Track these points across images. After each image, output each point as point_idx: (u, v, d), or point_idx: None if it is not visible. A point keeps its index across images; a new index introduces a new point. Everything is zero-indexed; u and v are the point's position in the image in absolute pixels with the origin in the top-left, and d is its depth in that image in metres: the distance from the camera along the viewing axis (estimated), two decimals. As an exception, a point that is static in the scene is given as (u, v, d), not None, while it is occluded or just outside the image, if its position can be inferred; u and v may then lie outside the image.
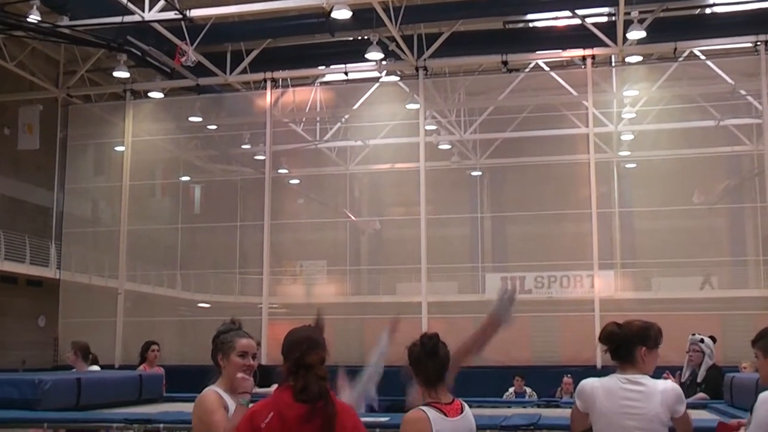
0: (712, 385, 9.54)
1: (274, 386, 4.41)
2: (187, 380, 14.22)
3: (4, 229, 28.69)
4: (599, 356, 22.70)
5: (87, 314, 26.81)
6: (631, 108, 27.07)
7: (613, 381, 5.01)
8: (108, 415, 7.62)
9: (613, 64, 26.33)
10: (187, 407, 8.41)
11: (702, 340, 10.02)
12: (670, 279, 27.17)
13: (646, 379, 4.99)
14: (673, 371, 9.73)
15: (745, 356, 14.52)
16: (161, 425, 6.89)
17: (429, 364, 4.65)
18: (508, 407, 8.67)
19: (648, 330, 5.07)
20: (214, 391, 4.87)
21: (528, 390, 18.07)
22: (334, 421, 4.15)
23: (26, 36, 25.39)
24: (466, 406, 4.72)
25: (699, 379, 9.79)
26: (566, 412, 7.41)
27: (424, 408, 4.58)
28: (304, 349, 4.32)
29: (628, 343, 5.04)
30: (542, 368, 22.55)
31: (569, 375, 18.45)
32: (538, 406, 9.18)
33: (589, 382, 5.08)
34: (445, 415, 4.56)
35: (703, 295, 26.36)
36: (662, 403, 4.95)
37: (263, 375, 7.80)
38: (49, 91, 28.86)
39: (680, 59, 25.29)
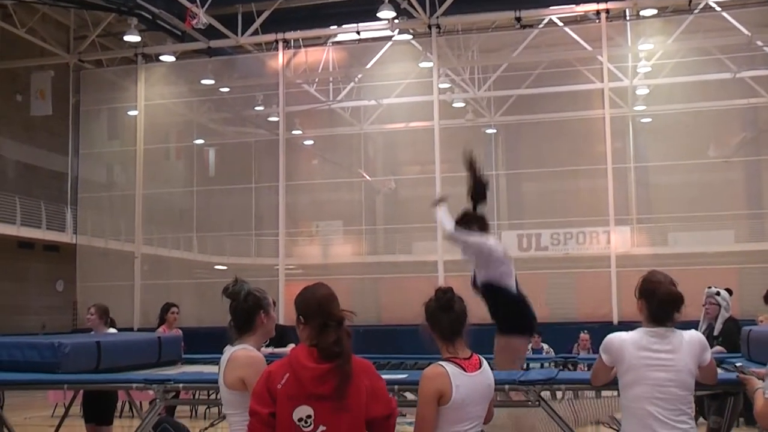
0: (729, 338, 9.51)
1: (291, 346, 4.39)
2: (204, 342, 14.32)
3: (20, 195, 28.80)
4: (615, 312, 22.79)
5: (104, 278, 26.97)
6: (646, 62, 26.89)
7: (640, 335, 5.00)
8: (127, 376, 7.66)
9: (628, 18, 26.16)
10: (205, 369, 8.46)
11: (718, 293, 9.97)
12: (687, 233, 27.09)
13: (671, 331, 4.98)
14: (690, 325, 9.71)
15: (762, 309, 14.50)
16: (180, 385, 6.91)
17: (444, 317, 4.63)
18: (526, 363, 8.65)
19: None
20: (261, 354, 4.86)
21: (545, 346, 18.06)
22: (349, 381, 4.16)
23: (36, 1, 25.38)
24: (484, 361, 4.70)
25: (716, 333, 9.75)
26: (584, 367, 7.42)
27: (443, 363, 4.57)
28: (332, 304, 4.33)
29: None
30: (559, 325, 22.55)
31: (586, 331, 18.46)
32: (555, 362, 9.18)
33: (617, 336, 5.07)
34: (464, 369, 4.55)
35: (720, 249, 26.25)
36: (690, 353, 4.97)
37: (280, 335, 7.82)
38: (61, 56, 28.87)
39: (696, 11, 25.10)
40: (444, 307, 4.66)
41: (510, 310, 7.80)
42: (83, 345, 8.06)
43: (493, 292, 7.82)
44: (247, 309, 4.93)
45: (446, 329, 4.65)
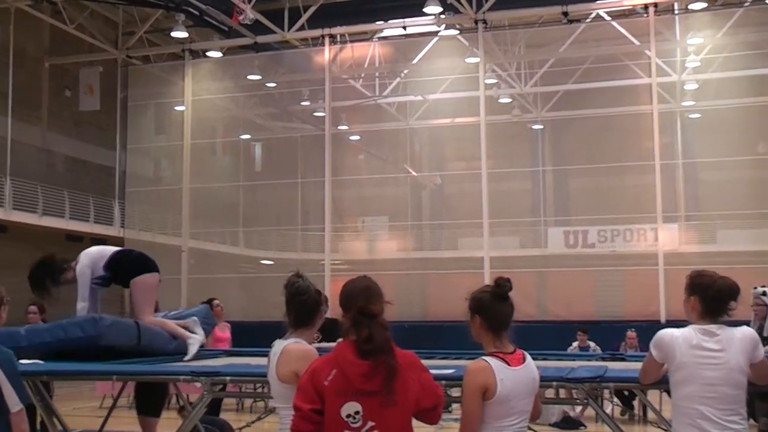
0: (778, 337, 9.38)
1: (340, 341, 4.39)
2: (250, 336, 14.38)
3: (69, 189, 29.09)
4: (663, 310, 22.57)
5: (151, 271, 27.12)
6: (695, 56, 26.60)
7: (691, 332, 4.94)
8: (174, 368, 7.71)
9: (676, 12, 25.90)
10: (252, 361, 8.48)
11: (764, 293, 9.86)
12: (736, 231, 26.76)
13: (722, 329, 4.91)
14: (740, 326, 9.58)
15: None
16: (227, 378, 6.93)
17: (500, 308, 4.60)
18: (573, 360, 8.58)
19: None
20: (313, 348, 4.89)
21: (592, 344, 17.93)
22: (395, 376, 4.14)
23: (85, -2, 25.63)
24: (528, 355, 4.68)
25: (765, 333, 9.63)
26: (632, 365, 7.34)
27: (487, 358, 4.55)
28: (367, 298, 4.31)
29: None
30: (606, 323, 22.40)
31: (633, 329, 18.29)
32: (603, 359, 9.09)
33: (668, 332, 5.00)
34: (508, 364, 4.53)
35: (769, 248, 25.94)
36: (741, 351, 4.89)
37: (331, 329, 7.82)
38: (109, 52, 29.15)
39: (746, 4, 24.81)
40: (502, 297, 4.64)
41: None
42: (123, 321, 8.22)
43: None
44: (314, 304, 4.96)
45: (499, 320, 4.62)
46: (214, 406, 9.39)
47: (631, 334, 18.02)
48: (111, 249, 8.85)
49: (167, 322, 8.49)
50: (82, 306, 8.46)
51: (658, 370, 5.24)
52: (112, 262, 8.59)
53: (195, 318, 8.85)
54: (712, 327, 4.91)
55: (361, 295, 4.32)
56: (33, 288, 8.46)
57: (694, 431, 4.82)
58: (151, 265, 8.75)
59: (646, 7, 24.41)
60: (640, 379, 5.52)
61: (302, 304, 4.94)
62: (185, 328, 8.70)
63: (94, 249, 8.80)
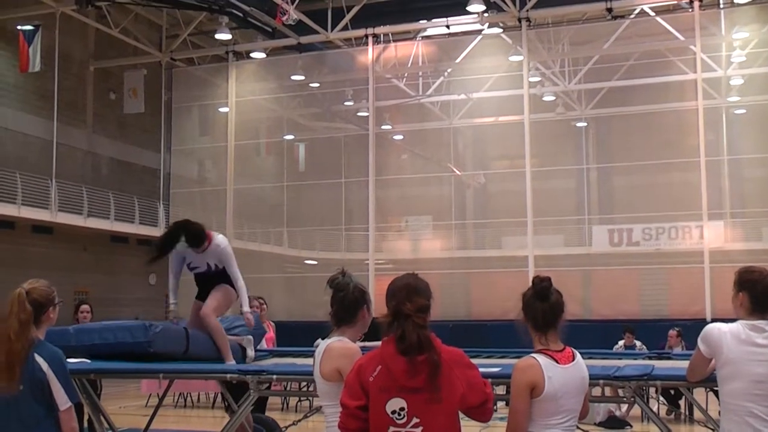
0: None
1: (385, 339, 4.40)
2: (294, 335, 14.43)
3: (114, 191, 29.41)
4: (709, 309, 22.35)
5: (196, 272, 27.33)
6: (740, 51, 26.34)
7: (739, 327, 4.88)
8: (222, 367, 7.77)
9: (722, 6, 25.69)
10: (296, 361, 8.52)
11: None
12: (782, 229, 26.52)
13: (770, 325, 4.86)
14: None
15: None
16: (274, 376, 6.98)
17: (539, 306, 4.58)
18: (619, 359, 8.53)
19: None
20: (357, 346, 4.90)
21: (638, 343, 17.81)
22: (438, 373, 4.14)
23: (130, 2, 25.83)
24: (577, 354, 4.65)
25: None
26: (679, 363, 7.28)
27: (536, 355, 4.53)
28: (403, 297, 4.29)
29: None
30: (651, 322, 22.25)
31: (675, 328, 18.14)
32: (650, 357, 9.03)
33: (716, 327, 4.94)
34: (557, 362, 4.51)
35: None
36: (790, 347, 4.83)
37: (375, 329, 7.84)
38: (153, 55, 29.40)
39: (793, -2, 24.52)
40: (540, 296, 4.62)
41: None
42: (173, 329, 8.24)
43: None
44: (353, 301, 4.96)
45: (540, 319, 4.61)
46: (260, 406, 9.42)
47: (672, 332, 17.87)
48: None
49: (223, 334, 8.47)
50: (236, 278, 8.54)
51: (706, 366, 5.17)
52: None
53: (250, 337, 8.87)
54: (761, 323, 4.85)
55: (399, 294, 4.31)
56: (160, 244, 8.48)
57: (742, 428, 4.76)
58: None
59: (690, 1, 24.22)
60: (688, 376, 5.45)
61: (341, 301, 4.95)
62: (239, 344, 8.74)
63: None
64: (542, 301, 4.61)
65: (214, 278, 8.46)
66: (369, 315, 5.00)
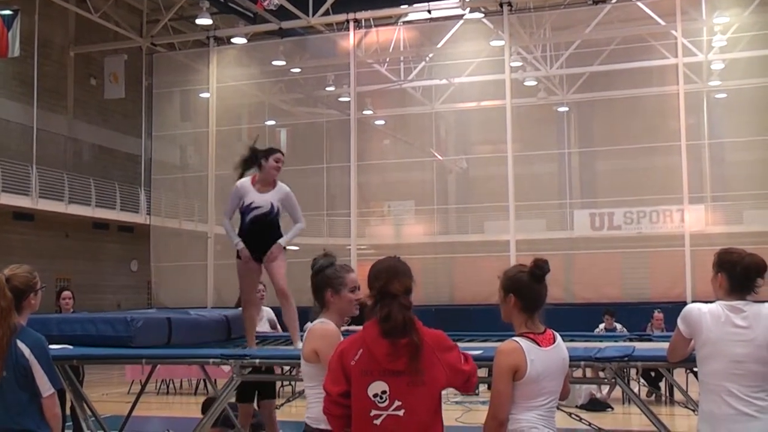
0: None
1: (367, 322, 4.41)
2: (279, 320, 14.41)
3: (95, 177, 29.32)
4: (690, 291, 22.47)
5: (178, 258, 27.33)
6: (721, 36, 26.38)
7: (718, 308, 4.92)
8: (204, 351, 7.76)
9: (703, -10, 25.69)
10: (282, 345, 8.53)
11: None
12: (763, 212, 26.59)
13: (749, 305, 4.89)
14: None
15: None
16: (257, 361, 6.98)
17: (536, 289, 4.62)
18: (600, 341, 8.59)
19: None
20: (336, 328, 4.91)
21: (618, 326, 17.92)
22: (419, 355, 4.16)
23: (110, -14, 25.73)
24: (558, 336, 4.69)
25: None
26: (659, 345, 7.33)
27: (518, 339, 4.56)
28: (388, 277, 4.30)
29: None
30: (632, 305, 22.36)
31: (659, 310, 18.26)
32: (630, 339, 9.09)
33: (696, 307, 4.98)
34: (538, 345, 4.54)
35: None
36: (768, 327, 4.87)
37: (362, 314, 7.87)
38: (133, 40, 29.25)
39: (773, -18, 24.57)
40: (540, 278, 4.65)
41: None
42: (155, 320, 8.22)
43: None
44: (315, 285, 5.00)
45: (534, 301, 4.64)
46: (248, 391, 9.42)
47: (657, 315, 18.00)
48: None
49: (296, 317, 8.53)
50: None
51: (686, 346, 5.22)
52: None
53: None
54: (739, 303, 4.89)
55: (384, 275, 4.33)
56: (242, 163, 9.03)
57: (720, 408, 4.81)
58: None
59: (671, -14, 24.23)
60: (668, 356, 5.50)
61: (312, 284, 5.01)
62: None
63: None
64: (539, 283, 4.65)
65: (266, 228, 8.49)
66: (339, 298, 4.98)
